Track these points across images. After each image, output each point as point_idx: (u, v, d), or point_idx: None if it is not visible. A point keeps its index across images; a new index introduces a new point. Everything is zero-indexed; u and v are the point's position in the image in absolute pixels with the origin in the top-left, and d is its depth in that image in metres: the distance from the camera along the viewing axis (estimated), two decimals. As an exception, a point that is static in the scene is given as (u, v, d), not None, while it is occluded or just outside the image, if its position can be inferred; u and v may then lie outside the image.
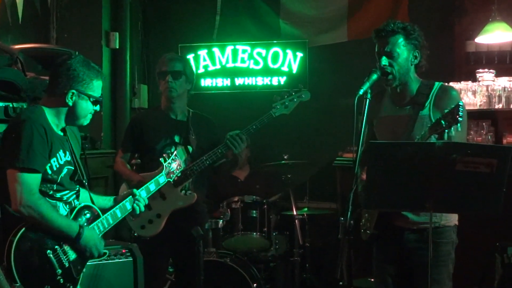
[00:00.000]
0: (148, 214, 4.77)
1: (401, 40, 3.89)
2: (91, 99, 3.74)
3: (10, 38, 6.10)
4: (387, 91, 4.09)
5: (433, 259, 3.73)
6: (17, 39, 6.03)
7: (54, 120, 3.69)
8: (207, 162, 4.79)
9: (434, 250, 3.72)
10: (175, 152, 4.28)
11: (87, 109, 3.75)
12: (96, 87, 3.76)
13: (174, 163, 4.24)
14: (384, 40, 3.90)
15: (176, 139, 4.90)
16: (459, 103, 3.48)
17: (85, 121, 3.81)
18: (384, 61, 3.89)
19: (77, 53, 5.62)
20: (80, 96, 3.69)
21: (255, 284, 5.84)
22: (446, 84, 4.12)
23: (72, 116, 3.73)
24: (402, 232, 3.98)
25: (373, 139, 3.99)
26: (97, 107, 3.80)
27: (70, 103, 3.68)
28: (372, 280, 4.26)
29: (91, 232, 3.73)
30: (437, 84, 4.00)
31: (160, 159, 4.23)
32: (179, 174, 4.35)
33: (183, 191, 4.84)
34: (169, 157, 4.22)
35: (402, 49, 3.90)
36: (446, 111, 3.53)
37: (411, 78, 4.00)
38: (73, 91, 3.67)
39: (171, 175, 4.24)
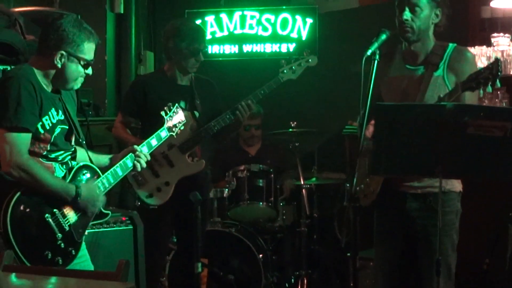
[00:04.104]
0: (156, 181, 4.70)
1: None
2: (82, 62, 3.55)
3: (12, 2, 5.97)
4: (398, 50, 3.94)
5: (434, 229, 3.60)
6: (19, 3, 5.89)
7: (43, 80, 3.53)
8: (215, 128, 4.71)
9: (436, 219, 3.58)
10: (176, 105, 4.08)
11: (77, 72, 3.57)
12: (88, 50, 3.57)
13: (176, 116, 4.02)
14: None
15: (182, 104, 4.74)
16: (497, 58, 3.34)
17: (75, 85, 3.63)
18: (406, 15, 3.74)
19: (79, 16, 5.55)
20: (70, 59, 3.51)
21: (261, 255, 5.74)
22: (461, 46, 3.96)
23: (61, 78, 3.56)
24: (404, 199, 3.83)
25: (380, 101, 3.83)
26: (89, 71, 3.62)
27: (59, 65, 3.50)
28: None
29: (89, 188, 3.57)
30: (451, 45, 3.86)
31: (161, 112, 4.00)
32: (182, 127, 4.09)
33: (191, 158, 4.75)
34: (170, 110, 4.01)
35: (426, 5, 3.75)
36: (480, 69, 3.40)
37: (428, 37, 3.85)
38: (62, 52, 3.49)
39: (174, 129, 4.02)
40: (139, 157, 3.82)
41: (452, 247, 3.84)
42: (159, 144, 3.98)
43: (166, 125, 3.99)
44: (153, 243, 4.82)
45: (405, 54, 3.94)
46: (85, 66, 3.59)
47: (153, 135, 3.96)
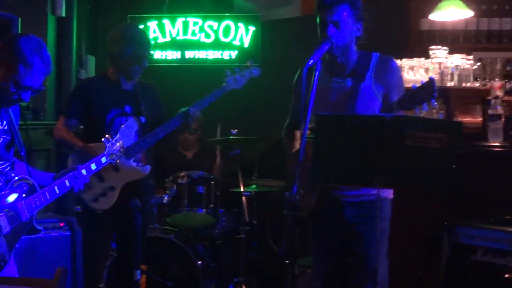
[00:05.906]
0: (100, 186, 4.67)
1: (347, 10, 3.79)
2: (15, 83, 3.43)
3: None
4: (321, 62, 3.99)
5: (372, 235, 3.66)
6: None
7: None
8: (161, 134, 4.73)
9: (374, 225, 3.64)
10: (118, 134, 4.17)
11: (7, 93, 3.46)
12: (29, 74, 3.43)
13: (116, 144, 4.11)
14: (330, 9, 3.79)
15: (127, 109, 4.78)
16: (431, 78, 3.40)
17: (5, 104, 3.53)
18: (331, 31, 3.78)
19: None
20: (6, 75, 3.41)
21: (200, 262, 5.72)
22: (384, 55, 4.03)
23: None
24: (341, 207, 3.90)
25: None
26: (25, 96, 3.50)
27: None
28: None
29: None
30: (375, 55, 3.93)
31: (103, 139, 4.07)
32: (118, 158, 4.18)
33: (136, 163, 4.76)
34: (112, 138, 4.10)
35: (348, 19, 3.80)
36: (414, 87, 3.45)
37: (352, 49, 3.91)
38: (3, 65, 3.41)
39: (113, 157, 4.10)
40: (77, 178, 3.83)
41: (386, 253, 3.92)
42: (98, 169, 4.03)
43: (107, 151, 4.07)
44: (93, 249, 4.79)
45: (329, 66, 3.97)
46: (19, 89, 3.46)
47: (94, 160, 4.00)
